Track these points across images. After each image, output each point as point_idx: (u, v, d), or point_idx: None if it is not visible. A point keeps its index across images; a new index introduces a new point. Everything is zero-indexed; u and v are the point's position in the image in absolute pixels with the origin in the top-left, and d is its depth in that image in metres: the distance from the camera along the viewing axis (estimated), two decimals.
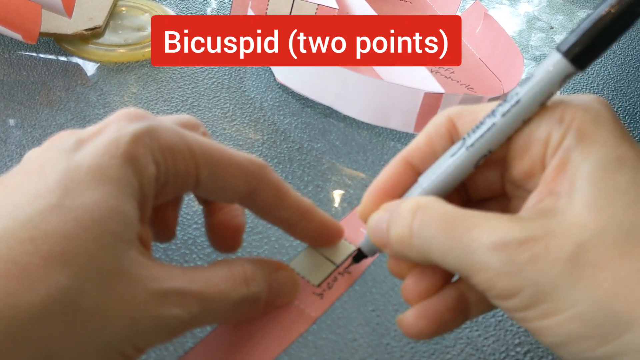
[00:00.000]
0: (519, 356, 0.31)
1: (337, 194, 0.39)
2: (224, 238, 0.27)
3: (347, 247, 0.28)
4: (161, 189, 0.22)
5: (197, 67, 0.47)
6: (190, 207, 0.34)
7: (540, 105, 0.21)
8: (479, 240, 0.20)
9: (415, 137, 0.25)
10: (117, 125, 0.22)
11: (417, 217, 0.21)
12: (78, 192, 0.19)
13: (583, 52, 0.20)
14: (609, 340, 0.18)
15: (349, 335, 0.30)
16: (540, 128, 0.21)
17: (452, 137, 0.24)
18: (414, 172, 0.24)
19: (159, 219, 0.26)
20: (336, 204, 0.38)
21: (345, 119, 0.44)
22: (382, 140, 0.43)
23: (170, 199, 0.24)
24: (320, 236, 0.27)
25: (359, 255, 0.27)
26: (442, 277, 0.24)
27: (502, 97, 0.27)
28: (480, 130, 0.22)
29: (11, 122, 0.40)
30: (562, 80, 0.21)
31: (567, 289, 0.19)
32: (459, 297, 0.23)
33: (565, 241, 0.19)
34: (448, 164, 0.23)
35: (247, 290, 0.23)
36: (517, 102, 0.21)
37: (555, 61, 0.21)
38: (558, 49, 0.21)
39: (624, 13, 0.20)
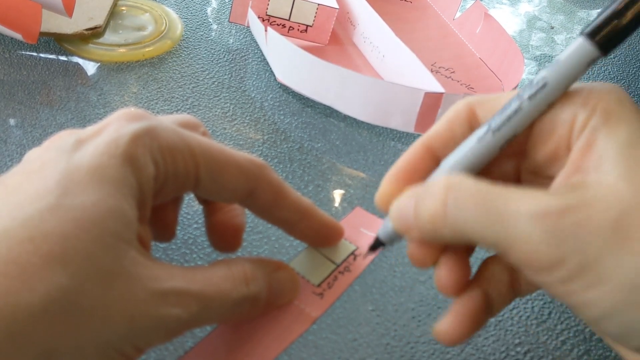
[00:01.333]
0: (519, 356, 0.31)
1: (337, 194, 0.39)
2: (224, 238, 0.27)
3: (347, 247, 0.28)
4: (160, 188, 0.22)
5: (197, 66, 0.47)
6: (191, 207, 0.34)
7: (565, 88, 0.22)
8: (519, 211, 0.19)
9: (435, 124, 0.24)
10: (117, 125, 0.22)
11: (450, 194, 0.21)
12: (77, 192, 0.20)
13: (607, 37, 0.21)
14: None
15: (349, 335, 0.30)
16: (565, 111, 0.22)
17: (472, 124, 0.24)
18: (433, 158, 0.24)
19: (159, 219, 0.26)
20: (336, 204, 0.38)
21: (345, 118, 0.44)
22: (382, 140, 0.43)
23: (170, 198, 0.24)
24: (320, 236, 0.27)
25: (376, 244, 0.26)
26: (467, 262, 0.24)
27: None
28: (506, 112, 0.22)
29: (11, 121, 0.40)
30: (588, 64, 0.21)
31: (614, 256, 0.18)
32: (484, 295, 0.23)
33: (606, 210, 0.19)
34: (474, 147, 0.23)
35: (247, 290, 0.23)
36: (544, 85, 0.22)
37: (580, 45, 0.21)
38: (582, 32, 0.21)
39: None
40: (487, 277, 0.24)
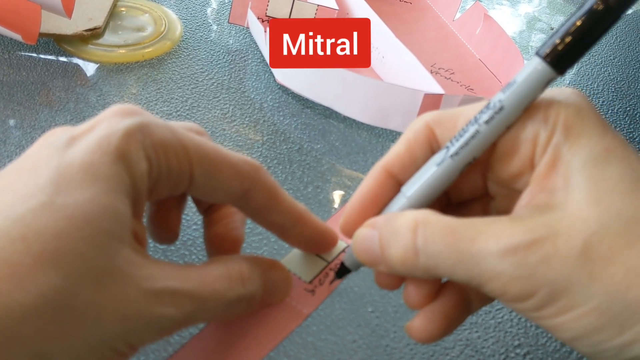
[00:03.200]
0: (518, 358, 0.31)
1: (336, 195, 0.39)
2: (222, 250, 0.26)
3: (338, 244, 0.28)
4: (154, 185, 0.22)
5: (196, 67, 0.47)
6: (190, 208, 0.34)
7: (524, 111, 0.22)
8: (487, 249, 0.20)
9: (394, 146, 0.24)
10: (109, 122, 0.21)
11: (419, 235, 0.21)
12: (70, 189, 0.19)
13: (561, 57, 0.21)
14: (625, 329, 0.19)
15: (348, 337, 0.30)
16: (526, 129, 0.22)
17: (432, 144, 0.23)
18: (394, 182, 0.24)
19: (161, 221, 0.26)
20: (336, 205, 0.38)
21: (345, 119, 0.44)
22: (381, 141, 0.43)
23: (164, 196, 0.23)
24: (314, 242, 0.27)
25: (342, 271, 0.26)
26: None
27: (475, 101, 0.26)
28: (464, 138, 0.22)
29: (11, 122, 0.40)
30: (545, 85, 0.21)
31: (582, 284, 0.19)
32: (460, 293, 0.24)
33: (573, 237, 0.19)
34: (432, 173, 0.23)
35: (244, 290, 0.23)
36: (501, 109, 0.21)
37: (535, 66, 0.21)
38: (537, 53, 0.21)
39: (599, 18, 0.20)
40: None
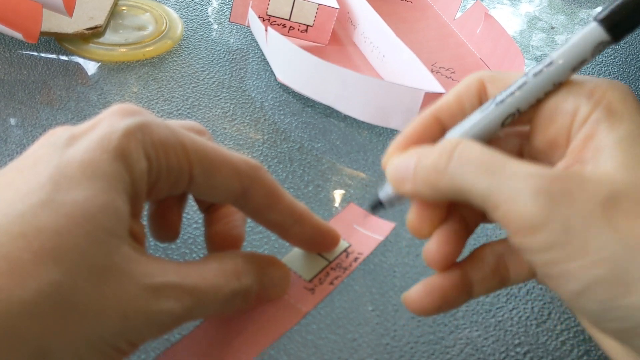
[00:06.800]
0: (518, 356, 0.31)
1: (337, 194, 0.39)
2: (223, 249, 0.27)
3: (340, 244, 0.28)
4: (154, 184, 0.22)
5: (197, 66, 0.47)
6: (190, 207, 0.34)
7: (573, 70, 0.22)
8: (516, 171, 0.20)
9: (445, 95, 0.25)
10: (110, 121, 0.22)
11: (458, 149, 0.21)
12: (69, 187, 0.19)
13: (618, 22, 0.21)
14: (634, 289, 0.18)
15: (348, 335, 0.30)
16: (568, 100, 0.22)
17: (481, 98, 0.24)
18: (441, 128, 0.24)
19: (162, 220, 0.26)
20: (337, 204, 0.38)
21: (345, 118, 0.44)
22: (382, 140, 0.43)
23: (164, 196, 0.24)
24: (314, 242, 0.27)
25: (375, 204, 0.26)
26: (462, 241, 0.24)
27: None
28: (511, 88, 0.23)
29: (12, 121, 0.40)
30: (595, 47, 0.22)
31: (599, 229, 0.19)
32: (462, 275, 0.24)
33: (599, 185, 0.19)
34: (476, 119, 0.23)
35: (239, 284, 0.23)
36: (550, 63, 0.22)
37: (591, 28, 0.22)
38: (595, 17, 0.22)
39: None
40: (473, 258, 0.25)
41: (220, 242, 0.27)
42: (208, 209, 0.27)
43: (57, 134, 0.22)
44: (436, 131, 0.24)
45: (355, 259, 0.29)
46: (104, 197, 0.20)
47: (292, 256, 0.28)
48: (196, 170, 0.23)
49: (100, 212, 0.20)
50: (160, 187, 0.23)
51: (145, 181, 0.22)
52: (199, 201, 0.28)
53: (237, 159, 0.24)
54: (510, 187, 0.20)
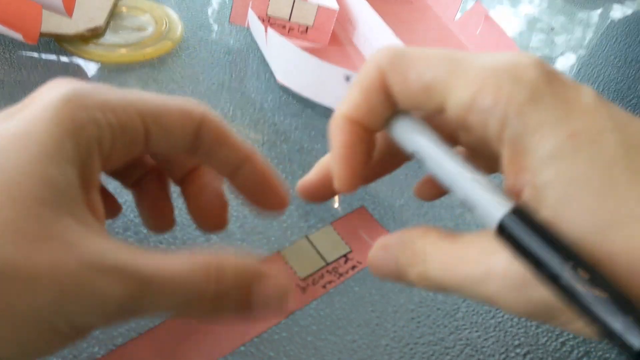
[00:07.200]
0: (518, 357, 0.31)
1: (336, 195, 0.39)
2: (210, 219, 0.26)
3: (342, 247, 0.28)
4: (111, 148, 0.21)
5: (197, 67, 0.47)
6: None
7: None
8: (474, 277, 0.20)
9: (350, 95, 0.23)
10: (47, 92, 0.21)
11: (424, 267, 0.21)
12: (0, 158, 0.19)
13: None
14: None
15: (348, 337, 0.30)
16: (472, 116, 0.19)
17: (388, 95, 0.22)
18: (365, 131, 0.23)
19: (155, 210, 0.26)
20: (336, 205, 0.38)
21: None
22: None
23: (125, 160, 0.22)
24: (263, 189, 0.25)
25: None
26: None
27: None
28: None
29: None
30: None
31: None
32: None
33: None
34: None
35: (208, 287, 0.21)
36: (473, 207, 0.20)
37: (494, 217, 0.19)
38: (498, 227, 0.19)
39: None
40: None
41: (206, 213, 0.26)
42: (182, 180, 0.27)
43: None
44: (362, 133, 0.23)
45: (353, 267, 0.28)
46: (37, 166, 0.19)
47: (291, 250, 0.27)
48: (149, 120, 0.22)
49: (31, 182, 0.18)
50: (116, 151, 0.21)
51: (96, 147, 0.21)
52: (171, 172, 0.27)
53: (181, 100, 0.23)
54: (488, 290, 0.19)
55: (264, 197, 0.26)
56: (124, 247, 0.20)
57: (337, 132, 0.23)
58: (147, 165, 0.27)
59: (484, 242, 0.19)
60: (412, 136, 0.21)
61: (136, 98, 0.22)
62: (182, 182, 0.27)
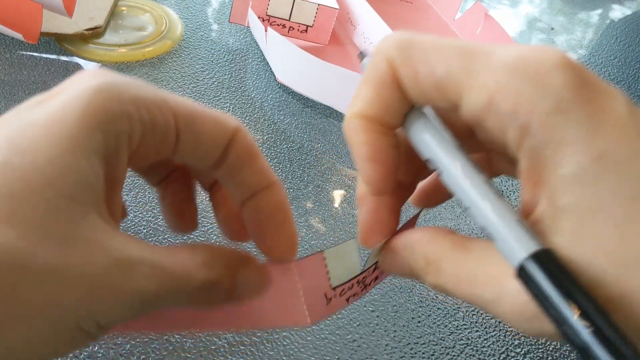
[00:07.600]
0: (518, 357, 0.31)
1: (337, 194, 0.39)
2: (235, 227, 0.25)
3: (374, 249, 0.25)
4: (140, 144, 0.21)
5: (197, 66, 0.47)
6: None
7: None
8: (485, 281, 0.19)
9: (360, 92, 0.21)
10: (81, 81, 0.20)
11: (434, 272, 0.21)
12: (29, 149, 0.18)
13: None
14: None
15: (348, 336, 0.30)
16: (489, 129, 0.18)
17: (400, 89, 0.20)
18: (380, 125, 0.21)
19: (178, 211, 0.26)
20: (336, 204, 0.38)
21: None
22: None
23: (150, 161, 0.22)
24: (276, 222, 0.24)
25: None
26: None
27: None
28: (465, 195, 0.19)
29: None
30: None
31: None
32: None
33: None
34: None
35: (208, 275, 0.21)
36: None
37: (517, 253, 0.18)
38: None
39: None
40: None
41: (231, 220, 0.25)
42: (212, 187, 0.26)
43: (26, 102, 0.20)
44: (382, 132, 0.21)
45: (376, 278, 0.27)
46: (67, 159, 0.18)
47: (335, 252, 0.24)
48: (181, 122, 0.21)
49: (61, 176, 0.18)
50: (145, 148, 0.21)
51: (125, 142, 0.20)
52: (200, 178, 0.26)
53: (218, 112, 0.22)
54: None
55: (273, 235, 0.24)
56: (143, 243, 0.20)
57: (354, 133, 0.21)
58: (173, 164, 0.26)
59: (496, 262, 0.19)
60: (428, 142, 0.20)
61: (171, 98, 0.21)
62: (210, 189, 0.26)
